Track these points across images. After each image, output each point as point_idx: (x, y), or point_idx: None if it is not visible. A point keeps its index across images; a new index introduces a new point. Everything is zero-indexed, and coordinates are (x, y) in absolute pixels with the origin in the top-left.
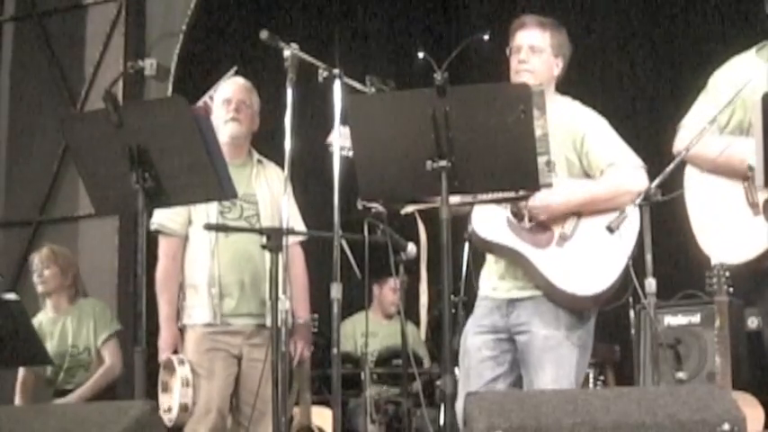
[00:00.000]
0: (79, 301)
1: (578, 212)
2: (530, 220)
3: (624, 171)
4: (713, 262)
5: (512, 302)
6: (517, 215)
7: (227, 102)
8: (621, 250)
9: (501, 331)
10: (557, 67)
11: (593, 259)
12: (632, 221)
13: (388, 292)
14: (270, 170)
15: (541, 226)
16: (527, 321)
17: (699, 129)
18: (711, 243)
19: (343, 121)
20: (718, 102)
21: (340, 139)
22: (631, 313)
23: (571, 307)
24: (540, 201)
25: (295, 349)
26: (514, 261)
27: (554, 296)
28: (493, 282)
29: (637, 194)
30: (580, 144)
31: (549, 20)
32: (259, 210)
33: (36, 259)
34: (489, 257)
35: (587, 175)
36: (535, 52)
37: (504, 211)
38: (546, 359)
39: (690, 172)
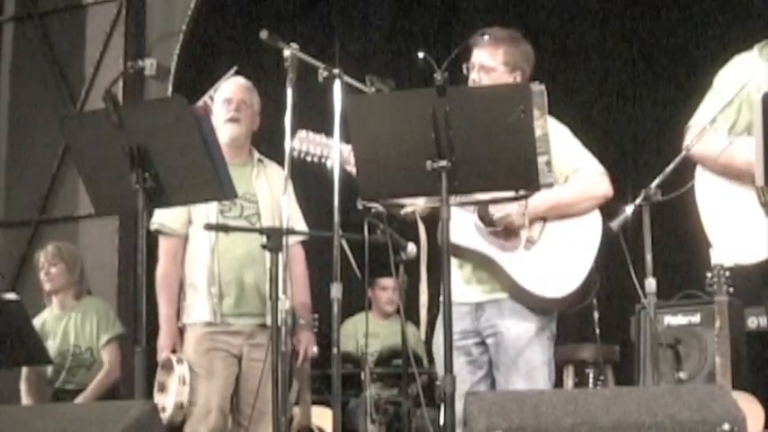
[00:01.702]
0: (84, 298)
1: (544, 217)
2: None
3: (587, 177)
4: (713, 262)
5: (480, 306)
6: (484, 220)
7: (227, 102)
8: (588, 254)
9: (474, 335)
10: (514, 81)
11: (560, 262)
12: (595, 227)
13: (380, 292)
14: (271, 170)
15: (509, 230)
16: (496, 324)
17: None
18: (723, 243)
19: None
20: (723, 101)
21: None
22: (596, 314)
23: (539, 308)
24: (508, 209)
25: (299, 349)
26: (482, 265)
27: (522, 298)
28: (459, 287)
29: (601, 199)
30: None
31: (505, 33)
32: (259, 209)
33: (42, 257)
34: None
35: None
36: (487, 72)
37: (471, 216)
38: (517, 357)
39: (700, 171)
